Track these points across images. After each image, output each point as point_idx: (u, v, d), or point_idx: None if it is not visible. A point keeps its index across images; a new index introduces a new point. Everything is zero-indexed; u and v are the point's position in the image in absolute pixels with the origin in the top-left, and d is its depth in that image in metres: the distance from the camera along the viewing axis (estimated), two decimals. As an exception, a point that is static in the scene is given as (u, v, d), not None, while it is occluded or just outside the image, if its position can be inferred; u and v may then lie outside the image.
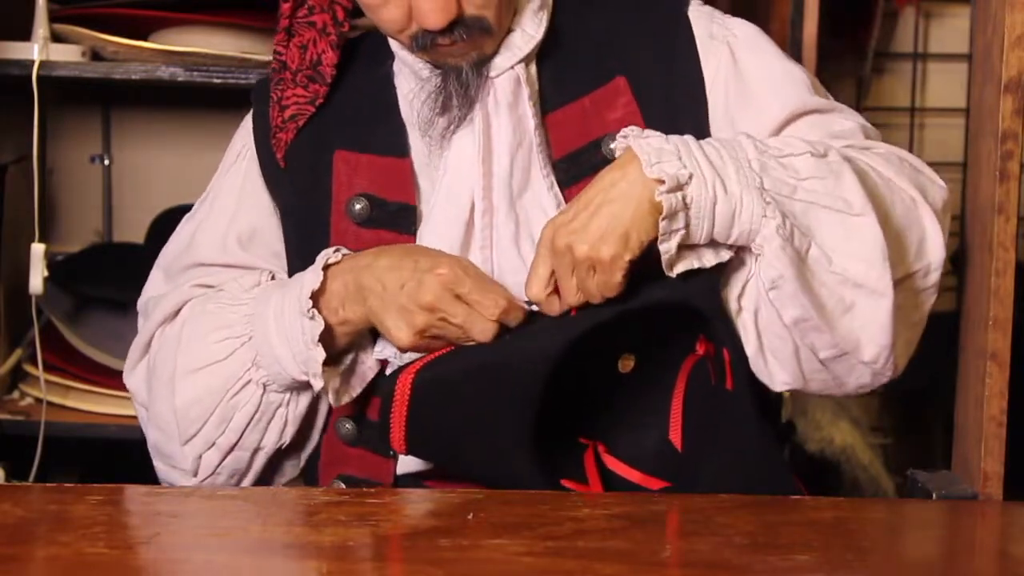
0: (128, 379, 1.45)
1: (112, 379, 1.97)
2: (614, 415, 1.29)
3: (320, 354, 1.28)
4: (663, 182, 1.19)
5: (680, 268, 1.22)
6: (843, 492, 2.25)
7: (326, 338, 1.29)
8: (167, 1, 1.91)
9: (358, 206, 1.37)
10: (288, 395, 1.35)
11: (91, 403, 1.97)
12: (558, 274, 1.24)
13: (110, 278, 2.06)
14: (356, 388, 1.35)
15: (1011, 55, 1.22)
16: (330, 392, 1.31)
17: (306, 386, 1.33)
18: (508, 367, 1.22)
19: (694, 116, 1.35)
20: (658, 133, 1.25)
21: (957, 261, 1.43)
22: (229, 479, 1.38)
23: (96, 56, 1.93)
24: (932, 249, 1.28)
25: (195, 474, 1.37)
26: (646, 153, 1.21)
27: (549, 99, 1.37)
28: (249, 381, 1.33)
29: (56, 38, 1.91)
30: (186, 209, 1.51)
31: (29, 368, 2.02)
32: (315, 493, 1.24)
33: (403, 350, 1.29)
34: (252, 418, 1.34)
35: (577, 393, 1.25)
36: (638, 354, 1.26)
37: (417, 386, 1.23)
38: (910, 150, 2.82)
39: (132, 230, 2.30)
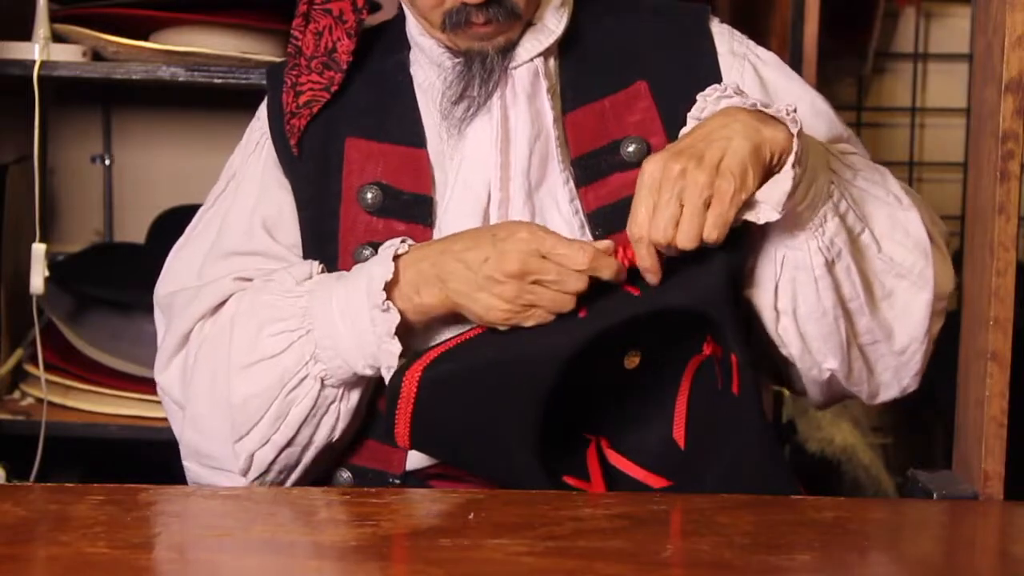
0: (161, 376, 1.41)
1: (113, 379, 1.97)
2: (618, 411, 1.29)
3: (396, 347, 1.26)
4: (780, 120, 1.20)
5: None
6: (844, 492, 2.25)
7: (398, 329, 1.27)
8: (168, 1, 1.91)
9: (370, 195, 1.37)
10: (342, 390, 1.32)
11: (92, 403, 1.97)
12: (659, 204, 1.18)
13: (110, 278, 2.06)
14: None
15: (1012, 55, 1.21)
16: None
17: (359, 381, 1.32)
18: (516, 366, 1.22)
19: None
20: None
21: (958, 261, 1.43)
22: (278, 476, 1.35)
23: (97, 56, 1.93)
24: (939, 277, 1.32)
25: (245, 472, 1.34)
26: (755, 105, 1.22)
27: (568, 98, 1.38)
28: (306, 376, 1.30)
29: (57, 38, 1.91)
30: (187, 209, 1.51)
31: (30, 368, 2.02)
32: (315, 493, 1.24)
33: (498, 325, 1.26)
34: (308, 413, 1.31)
35: (582, 388, 1.25)
36: (644, 351, 1.26)
37: (424, 383, 1.23)
38: (910, 150, 2.84)
39: (132, 230, 2.30)
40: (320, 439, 1.33)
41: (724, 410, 1.25)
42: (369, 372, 1.29)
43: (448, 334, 1.31)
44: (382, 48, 1.44)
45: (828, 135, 1.39)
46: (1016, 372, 1.25)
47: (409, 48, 1.42)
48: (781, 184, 1.19)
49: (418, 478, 1.34)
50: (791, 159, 1.19)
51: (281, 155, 1.42)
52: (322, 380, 1.30)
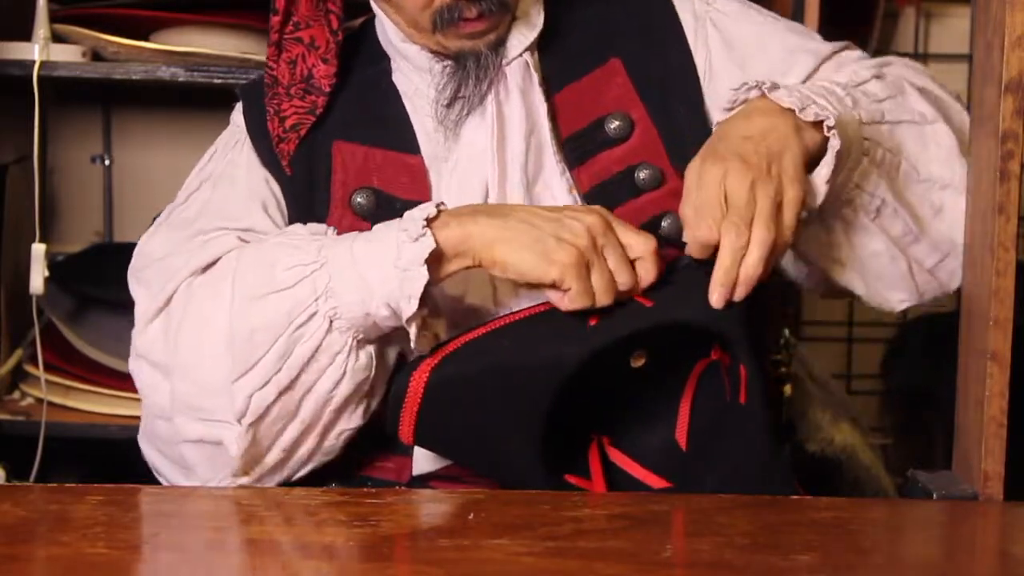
0: (140, 338, 1.34)
1: (112, 379, 1.97)
2: (621, 409, 1.29)
3: (423, 275, 1.19)
4: (819, 124, 1.24)
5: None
6: (844, 492, 2.24)
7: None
8: (167, 1, 1.91)
9: (361, 199, 1.36)
10: (349, 340, 1.25)
11: (92, 403, 1.97)
12: (734, 222, 1.18)
13: (110, 278, 2.05)
14: (442, 333, 1.29)
15: (1012, 55, 1.21)
16: (412, 329, 1.23)
17: (364, 343, 1.26)
18: (523, 373, 1.21)
19: (688, 97, 1.39)
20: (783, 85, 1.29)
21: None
22: (273, 425, 1.27)
23: (97, 56, 1.93)
24: (963, 131, 1.38)
25: (241, 417, 1.26)
26: (795, 100, 1.25)
27: (552, 83, 1.39)
28: (316, 312, 1.24)
29: (57, 38, 1.91)
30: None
31: (30, 368, 2.02)
32: (315, 493, 1.24)
33: (541, 280, 1.21)
34: (313, 355, 1.25)
35: (586, 386, 1.24)
36: (650, 351, 1.26)
37: (431, 384, 1.22)
38: (910, 150, 2.81)
39: (132, 230, 2.30)
40: (322, 389, 1.26)
41: (728, 416, 1.25)
42: (384, 313, 1.22)
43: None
44: (360, 59, 1.44)
45: (810, 65, 1.41)
46: (1016, 372, 1.25)
47: (388, 58, 1.42)
48: (818, 182, 1.25)
49: (420, 480, 1.34)
50: (826, 169, 1.24)
51: (263, 160, 1.41)
52: (330, 320, 1.24)
